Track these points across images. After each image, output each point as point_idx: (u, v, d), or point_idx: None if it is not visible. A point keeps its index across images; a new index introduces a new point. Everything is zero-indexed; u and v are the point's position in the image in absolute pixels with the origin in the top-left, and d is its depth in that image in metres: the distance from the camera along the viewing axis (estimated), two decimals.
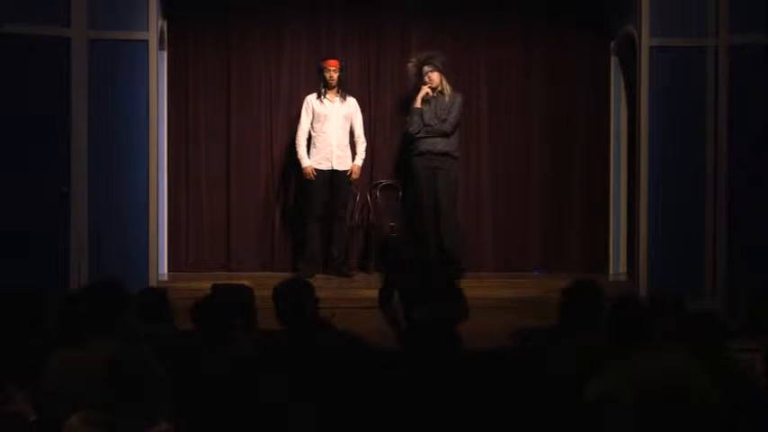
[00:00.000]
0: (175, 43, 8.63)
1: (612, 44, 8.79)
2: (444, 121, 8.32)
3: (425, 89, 8.36)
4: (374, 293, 7.83)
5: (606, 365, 3.56)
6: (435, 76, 8.36)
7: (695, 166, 7.98)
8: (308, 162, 8.31)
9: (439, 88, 8.38)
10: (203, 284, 7.58)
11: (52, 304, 4.54)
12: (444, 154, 8.34)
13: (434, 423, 3.89)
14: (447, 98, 8.38)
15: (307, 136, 8.35)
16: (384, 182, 8.94)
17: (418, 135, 8.35)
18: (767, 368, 3.91)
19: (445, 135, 8.33)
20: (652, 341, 3.61)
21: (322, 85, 8.32)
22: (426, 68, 8.37)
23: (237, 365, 3.99)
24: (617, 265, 8.82)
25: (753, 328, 4.58)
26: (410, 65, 8.51)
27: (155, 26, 7.91)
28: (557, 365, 4.19)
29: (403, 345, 5.14)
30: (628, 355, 3.53)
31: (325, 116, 8.30)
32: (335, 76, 8.27)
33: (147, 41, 7.86)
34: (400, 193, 8.88)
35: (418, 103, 8.36)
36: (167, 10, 8.27)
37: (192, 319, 4.33)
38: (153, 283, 7.78)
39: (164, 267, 8.46)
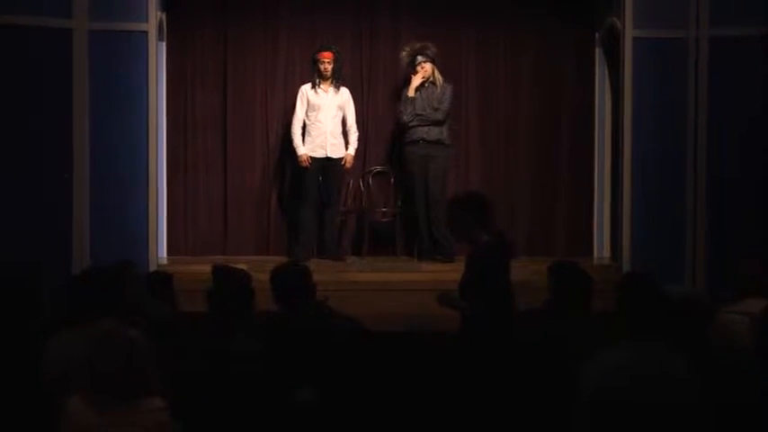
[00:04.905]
0: (174, 34, 8.71)
1: (597, 36, 8.89)
2: (437, 109, 8.47)
3: (418, 79, 8.50)
4: (367, 277, 8.09)
5: (606, 349, 3.55)
6: (428, 67, 8.51)
7: (677, 153, 8.07)
8: (304, 150, 8.44)
9: (431, 79, 8.56)
10: (202, 268, 7.78)
11: (46, 285, 4.48)
12: (437, 141, 8.51)
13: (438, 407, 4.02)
14: (438, 88, 8.53)
15: (302, 125, 8.47)
16: (377, 168, 9.06)
17: (411, 124, 8.54)
18: (755, 336, 3.89)
19: (438, 123, 8.51)
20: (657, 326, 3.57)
21: (316, 75, 8.43)
22: (420, 58, 8.50)
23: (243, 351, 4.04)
24: (601, 248, 8.93)
25: (744, 292, 4.57)
26: (403, 54, 8.63)
27: (154, 18, 7.98)
28: (548, 347, 4.23)
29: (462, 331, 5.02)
30: (637, 338, 3.51)
31: (320, 106, 8.42)
32: (330, 67, 8.37)
33: (146, 33, 7.94)
34: (392, 180, 9.04)
35: (411, 92, 8.51)
36: (166, 2, 8.36)
37: (210, 305, 4.30)
38: (153, 266, 7.90)
39: (163, 251, 8.57)
